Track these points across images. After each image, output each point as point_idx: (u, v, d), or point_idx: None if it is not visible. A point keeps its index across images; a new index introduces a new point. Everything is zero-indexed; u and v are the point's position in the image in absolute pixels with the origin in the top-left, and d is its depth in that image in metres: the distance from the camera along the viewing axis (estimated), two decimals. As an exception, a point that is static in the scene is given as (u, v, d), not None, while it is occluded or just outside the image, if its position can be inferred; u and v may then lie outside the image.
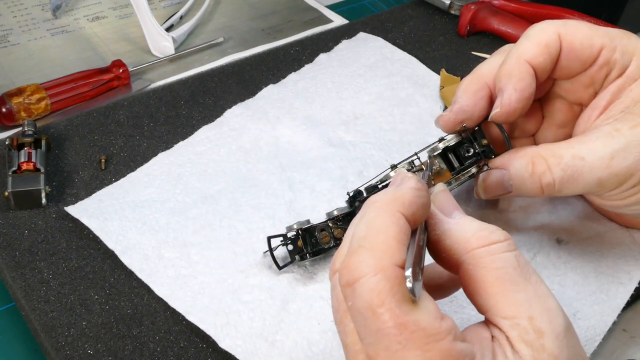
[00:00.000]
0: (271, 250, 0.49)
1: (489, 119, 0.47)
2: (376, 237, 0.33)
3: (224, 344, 0.45)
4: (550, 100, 0.50)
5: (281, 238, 0.49)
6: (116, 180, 0.56)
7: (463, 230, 0.36)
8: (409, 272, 0.32)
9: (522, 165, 0.46)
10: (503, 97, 0.45)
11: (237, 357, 0.45)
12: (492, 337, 0.35)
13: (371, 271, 0.32)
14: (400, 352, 0.31)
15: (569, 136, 0.50)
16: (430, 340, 0.31)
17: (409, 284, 0.32)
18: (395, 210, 0.34)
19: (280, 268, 0.49)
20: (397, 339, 0.31)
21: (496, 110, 0.46)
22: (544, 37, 0.46)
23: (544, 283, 0.36)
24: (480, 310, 0.36)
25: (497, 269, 0.35)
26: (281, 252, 0.50)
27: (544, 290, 0.35)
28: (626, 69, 0.46)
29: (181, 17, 0.78)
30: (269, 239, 0.49)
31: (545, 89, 0.50)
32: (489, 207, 0.54)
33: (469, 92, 0.48)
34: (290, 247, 0.49)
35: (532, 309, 0.34)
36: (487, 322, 0.36)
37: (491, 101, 0.48)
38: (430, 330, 0.31)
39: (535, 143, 0.52)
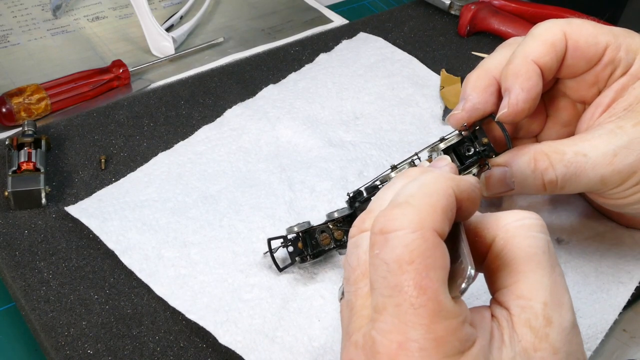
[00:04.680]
0: (271, 252, 0.49)
1: (496, 119, 0.46)
2: (425, 199, 0.33)
3: (224, 340, 0.45)
4: (554, 98, 0.50)
5: (281, 240, 0.49)
6: (116, 180, 0.56)
7: (496, 213, 0.36)
8: (471, 271, 0.32)
9: (524, 161, 0.46)
10: (510, 97, 0.45)
11: (238, 352, 0.45)
12: (493, 316, 0.34)
13: (411, 227, 0.31)
14: (409, 314, 0.31)
15: (572, 135, 0.50)
16: (441, 315, 0.31)
17: (464, 285, 0.32)
18: (450, 186, 0.34)
19: (280, 270, 0.49)
20: (412, 300, 0.31)
21: (503, 111, 0.45)
22: (549, 36, 0.45)
23: (564, 278, 0.36)
24: (495, 287, 0.36)
25: (529, 246, 0.35)
26: (281, 252, 0.50)
27: (563, 284, 0.35)
28: (630, 67, 0.46)
29: (181, 17, 0.78)
30: (269, 240, 0.49)
31: (548, 87, 0.49)
32: (490, 207, 0.54)
33: (479, 88, 0.47)
34: (291, 248, 0.49)
35: (549, 296, 0.34)
36: (494, 302, 0.35)
37: (500, 96, 0.47)
38: (445, 305, 0.31)
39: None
